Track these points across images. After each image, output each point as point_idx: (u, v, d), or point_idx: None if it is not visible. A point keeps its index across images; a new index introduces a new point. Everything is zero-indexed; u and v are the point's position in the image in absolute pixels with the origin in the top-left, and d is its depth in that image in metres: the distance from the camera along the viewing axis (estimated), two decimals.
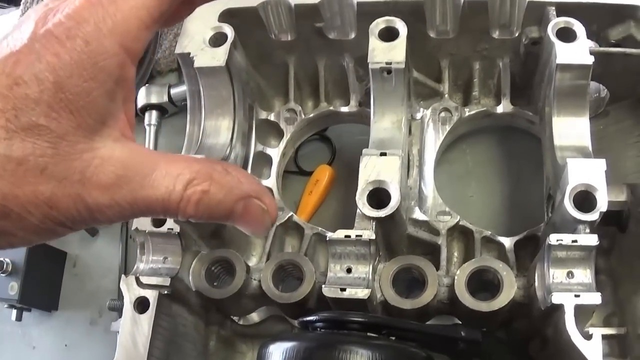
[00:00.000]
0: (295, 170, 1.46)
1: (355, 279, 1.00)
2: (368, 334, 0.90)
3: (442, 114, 1.29)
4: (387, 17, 1.13)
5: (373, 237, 0.99)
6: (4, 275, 1.50)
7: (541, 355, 1.06)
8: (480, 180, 1.35)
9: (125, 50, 0.65)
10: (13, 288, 1.52)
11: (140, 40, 0.67)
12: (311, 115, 1.37)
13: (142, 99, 1.58)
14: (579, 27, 1.08)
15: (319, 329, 0.92)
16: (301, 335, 0.91)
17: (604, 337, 0.99)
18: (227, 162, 0.76)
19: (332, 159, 1.45)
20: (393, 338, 0.92)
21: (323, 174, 1.41)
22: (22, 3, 2.02)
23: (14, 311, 1.56)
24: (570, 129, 1.08)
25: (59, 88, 0.61)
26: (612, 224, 1.06)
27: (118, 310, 1.41)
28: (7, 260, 1.50)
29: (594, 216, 0.93)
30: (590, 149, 1.06)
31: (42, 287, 1.58)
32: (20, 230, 0.63)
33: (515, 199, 1.31)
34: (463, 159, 1.37)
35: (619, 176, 1.13)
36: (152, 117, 1.60)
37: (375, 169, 1.03)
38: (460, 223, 1.17)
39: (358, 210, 1.00)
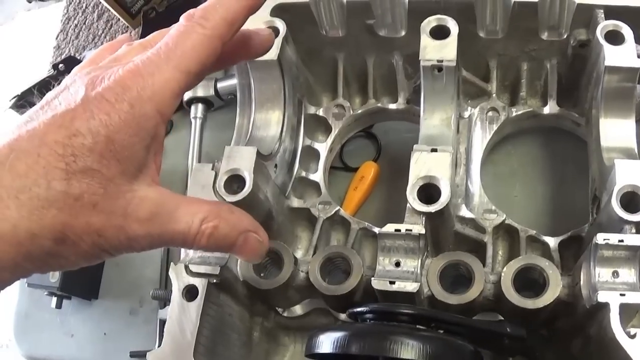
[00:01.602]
0: (341, 166, 1.46)
1: (403, 272, 1.01)
2: (417, 326, 0.92)
3: (490, 113, 1.29)
4: (438, 16, 1.14)
5: (423, 231, 1.00)
6: None
7: (583, 354, 1.06)
8: (524, 181, 1.35)
9: (160, 114, 0.79)
10: (54, 276, 1.55)
11: (171, 106, 0.80)
12: (359, 111, 1.38)
13: (189, 92, 1.60)
14: (627, 31, 1.08)
15: (368, 320, 0.93)
16: (351, 326, 0.92)
17: None
18: (230, 204, 0.95)
19: (378, 155, 1.46)
20: (441, 331, 0.94)
21: (368, 171, 1.42)
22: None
23: (54, 299, 1.59)
24: (616, 131, 1.09)
25: (109, 141, 0.74)
26: None
27: (161, 299, 1.43)
28: None
29: None
30: (636, 150, 1.07)
31: (83, 276, 1.61)
32: (73, 254, 0.75)
33: (559, 200, 1.32)
34: (508, 160, 1.37)
35: None
36: (198, 110, 1.61)
37: (425, 164, 1.03)
38: (506, 222, 1.17)
39: (408, 205, 1.01)
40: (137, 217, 0.77)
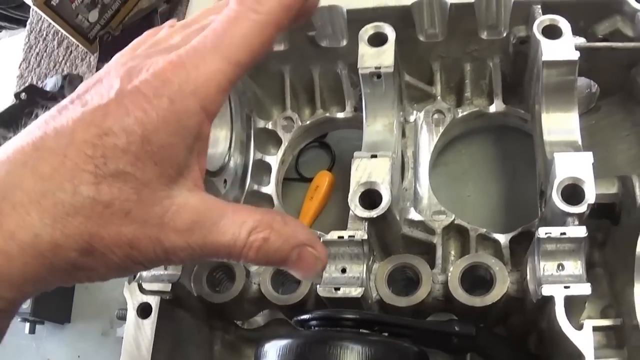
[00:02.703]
0: (297, 177, 1.48)
1: (349, 278, 1.02)
2: (360, 330, 0.92)
3: (435, 116, 1.31)
4: (375, 23, 1.15)
5: (365, 237, 1.01)
6: None
7: (539, 349, 1.07)
8: (477, 180, 1.37)
9: (204, 110, 0.71)
10: (25, 302, 1.55)
11: (218, 101, 0.72)
12: (308, 122, 1.39)
13: None
14: (564, 24, 1.09)
15: (313, 327, 0.95)
16: (295, 334, 0.93)
17: (601, 328, 1.02)
18: (285, 214, 0.83)
19: (332, 164, 1.47)
20: (386, 334, 0.94)
21: (323, 180, 1.43)
22: (27, 24, 2.07)
23: (27, 324, 1.59)
24: (559, 125, 1.10)
25: (145, 141, 0.67)
26: (605, 217, 1.07)
27: (125, 318, 1.44)
28: None
29: (582, 208, 0.94)
30: (580, 143, 1.07)
31: (54, 300, 1.61)
32: (101, 267, 0.69)
33: (512, 197, 1.33)
34: (459, 160, 1.39)
35: (612, 170, 1.15)
36: None
37: (366, 170, 1.05)
38: (456, 222, 1.19)
39: (351, 212, 1.03)
40: (175, 226, 0.70)
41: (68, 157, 0.65)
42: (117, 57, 0.78)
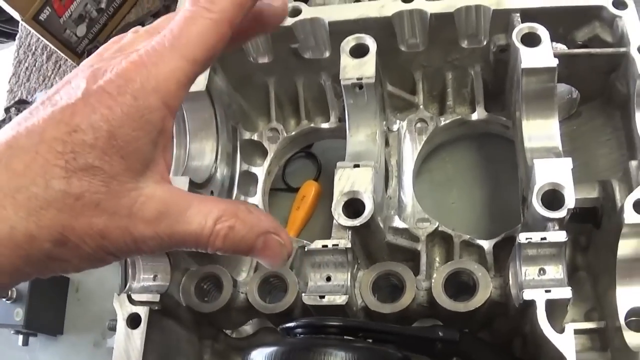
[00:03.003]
0: (284, 187, 1.49)
1: (334, 286, 1.03)
2: (345, 337, 0.93)
3: (418, 125, 1.32)
4: (357, 35, 1.17)
5: (349, 245, 1.03)
6: (9, 302, 1.55)
7: (523, 353, 1.08)
8: (461, 187, 1.38)
9: (166, 106, 0.75)
10: (18, 314, 1.57)
11: (179, 97, 0.76)
12: (293, 133, 1.41)
13: None
14: (542, 32, 1.10)
15: (298, 335, 0.96)
16: (280, 341, 0.94)
17: (585, 331, 1.04)
18: (249, 203, 0.93)
19: (318, 174, 1.49)
20: (370, 340, 0.96)
21: (309, 190, 1.45)
22: (16, 38, 2.08)
23: (21, 337, 1.60)
24: (540, 131, 1.11)
25: (111, 136, 0.71)
26: (587, 221, 1.09)
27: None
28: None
29: (561, 213, 0.95)
30: (561, 149, 1.08)
31: (47, 313, 1.63)
32: (75, 257, 0.73)
33: (496, 203, 1.34)
34: (444, 168, 1.40)
35: (593, 174, 1.17)
36: None
37: (349, 180, 1.06)
38: (440, 229, 1.20)
39: (334, 221, 1.04)
40: (143, 217, 0.74)
41: (39, 153, 0.69)
42: (85, 61, 0.81)
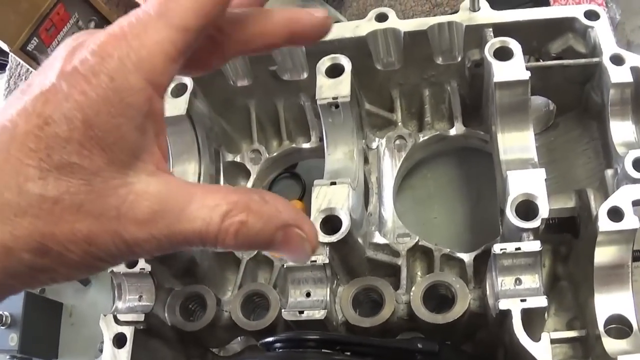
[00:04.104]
0: None
1: (314, 302, 1.05)
2: (323, 350, 0.95)
3: (397, 142, 1.34)
4: (332, 55, 1.20)
5: (327, 261, 1.05)
6: (3, 327, 1.56)
7: None
8: (442, 202, 1.40)
9: (152, 85, 0.64)
10: (13, 339, 1.58)
11: (167, 73, 0.65)
12: (275, 153, 1.43)
13: None
14: (514, 45, 1.12)
15: (278, 349, 0.98)
16: (259, 356, 0.96)
17: (567, 340, 1.05)
18: (265, 191, 0.77)
19: (302, 194, 1.50)
20: (348, 354, 0.97)
21: None
22: (7, 69, 2.11)
23: None
24: (515, 143, 1.13)
25: (88, 126, 0.61)
26: (566, 230, 1.11)
27: None
28: (6, 313, 1.57)
29: (535, 223, 0.97)
30: (536, 160, 1.09)
31: (41, 337, 1.64)
32: (61, 266, 0.63)
33: (477, 217, 1.36)
34: (425, 184, 1.42)
35: (572, 184, 1.19)
36: None
37: (326, 197, 1.08)
38: (420, 243, 1.21)
39: None
40: (134, 217, 0.63)
41: (11, 153, 0.60)
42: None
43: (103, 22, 2.03)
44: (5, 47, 1.85)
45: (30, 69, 1.95)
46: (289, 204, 0.71)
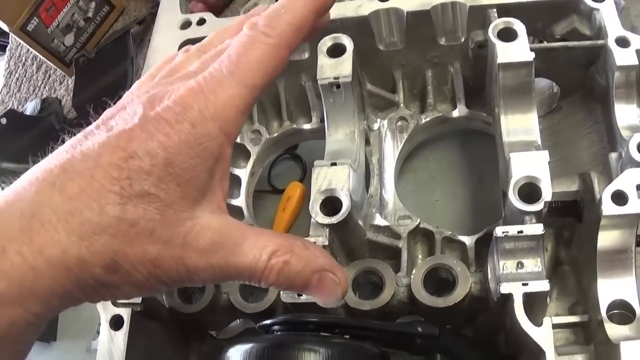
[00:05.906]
0: (269, 189, 1.50)
1: None
2: (321, 333, 0.94)
3: (399, 123, 1.32)
4: (333, 35, 1.18)
5: (326, 243, 1.03)
6: None
7: (506, 348, 1.09)
8: (444, 184, 1.39)
9: (224, 134, 0.74)
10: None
11: (237, 124, 0.76)
12: (275, 134, 1.42)
13: None
14: (519, 26, 1.10)
15: (276, 332, 0.97)
16: (257, 338, 0.95)
17: (569, 325, 1.03)
18: (306, 239, 0.86)
19: (303, 175, 1.49)
20: (347, 337, 0.96)
21: (294, 191, 1.45)
22: (7, 50, 2.10)
23: None
24: (518, 126, 1.11)
25: (168, 163, 0.70)
26: (570, 214, 1.09)
27: None
28: None
29: (538, 206, 0.95)
30: (540, 143, 1.08)
31: None
32: (125, 284, 0.71)
33: (479, 200, 1.35)
34: (427, 166, 1.41)
35: (575, 168, 1.17)
36: None
37: (326, 178, 1.07)
38: (421, 226, 1.19)
39: (312, 219, 1.05)
40: (197, 246, 0.72)
41: (95, 178, 0.68)
42: (137, 85, 0.82)
43: (103, 3, 2.03)
44: (5, 27, 1.84)
45: (30, 48, 1.95)
46: (325, 252, 0.84)
